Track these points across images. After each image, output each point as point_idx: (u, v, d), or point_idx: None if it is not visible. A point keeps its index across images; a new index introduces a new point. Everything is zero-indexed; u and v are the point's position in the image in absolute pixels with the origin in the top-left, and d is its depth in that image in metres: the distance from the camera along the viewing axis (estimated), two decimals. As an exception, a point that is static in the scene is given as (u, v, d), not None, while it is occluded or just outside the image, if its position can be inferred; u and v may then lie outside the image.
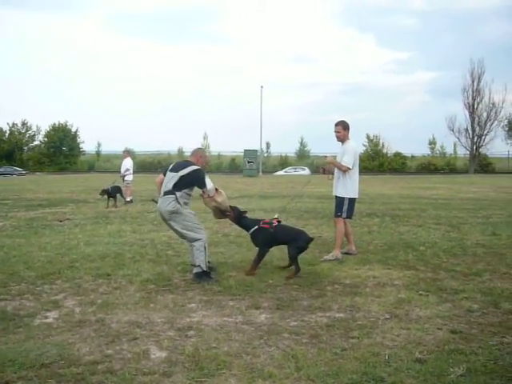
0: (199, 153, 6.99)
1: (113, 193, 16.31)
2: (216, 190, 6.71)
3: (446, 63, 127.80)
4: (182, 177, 6.44)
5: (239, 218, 6.99)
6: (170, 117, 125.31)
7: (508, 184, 30.71)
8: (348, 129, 7.90)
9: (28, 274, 6.66)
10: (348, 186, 7.79)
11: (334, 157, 8.11)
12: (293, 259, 6.71)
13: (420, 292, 5.74)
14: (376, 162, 63.20)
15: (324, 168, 8.41)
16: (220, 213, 6.94)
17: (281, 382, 3.56)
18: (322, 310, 5.15)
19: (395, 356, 3.95)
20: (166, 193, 6.45)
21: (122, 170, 18.28)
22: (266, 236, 6.76)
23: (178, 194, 6.40)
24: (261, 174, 49.08)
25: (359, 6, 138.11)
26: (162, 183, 6.66)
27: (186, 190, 6.47)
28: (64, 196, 21.07)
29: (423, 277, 6.47)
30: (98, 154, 76.35)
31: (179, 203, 6.39)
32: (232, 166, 64.78)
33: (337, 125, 7.87)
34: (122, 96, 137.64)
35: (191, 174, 6.49)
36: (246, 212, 7.12)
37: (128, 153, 18.97)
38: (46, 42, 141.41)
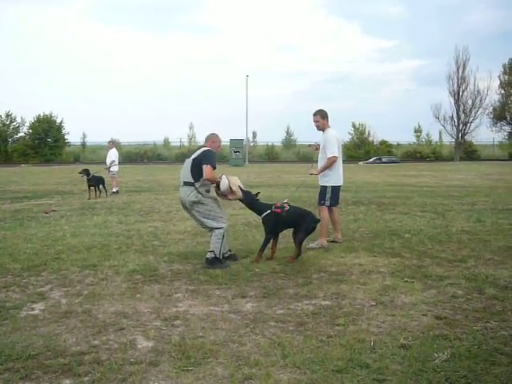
0: (211, 138, 7.03)
1: (95, 182, 16.18)
2: (231, 189, 6.75)
3: (432, 51, 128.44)
4: (194, 160, 6.55)
5: (253, 202, 7.09)
6: (156, 107, 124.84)
7: (493, 171, 31.00)
8: (327, 117, 7.91)
9: (14, 266, 6.62)
10: (330, 175, 7.81)
11: (318, 145, 8.10)
12: (301, 242, 6.85)
13: (405, 279, 5.78)
14: (362, 150, 63.51)
15: (317, 146, 8.27)
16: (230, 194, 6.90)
17: (267, 369, 3.57)
18: (307, 298, 5.17)
19: (380, 342, 3.99)
20: (186, 183, 6.56)
21: (108, 161, 18.17)
22: (277, 220, 6.86)
23: (197, 184, 6.51)
24: (247, 163, 49.02)
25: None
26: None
27: (203, 177, 6.51)
28: (49, 188, 20.92)
29: (408, 264, 6.52)
30: (83, 145, 75.73)
31: (200, 193, 6.51)
32: (219, 156, 64.66)
33: (315, 114, 7.89)
34: (108, 86, 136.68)
35: (201, 154, 6.59)
36: (258, 194, 7.24)
37: (113, 143, 18.86)
38: (29, 32, 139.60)
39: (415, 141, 72.39)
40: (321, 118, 7.90)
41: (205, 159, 6.53)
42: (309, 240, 7.75)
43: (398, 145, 69.93)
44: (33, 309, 5.01)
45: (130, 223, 10.34)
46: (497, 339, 4.01)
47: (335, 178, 7.85)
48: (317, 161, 8.14)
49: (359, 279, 5.83)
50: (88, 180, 16.06)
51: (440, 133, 67.39)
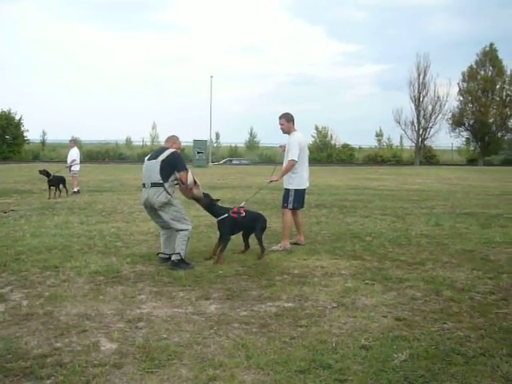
0: (172, 139, 7.12)
1: (56, 182, 15.94)
2: (195, 182, 6.84)
3: (394, 56, 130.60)
4: (162, 161, 6.52)
5: (211, 205, 7.23)
6: (118, 106, 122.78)
7: (451, 175, 31.78)
8: (292, 121, 8.00)
9: (-29, 268, 6.48)
10: (293, 178, 7.88)
11: (284, 146, 8.17)
12: (260, 240, 7.23)
13: (366, 281, 5.91)
14: (324, 153, 64.06)
15: (283, 147, 8.36)
16: (190, 196, 7.06)
17: (231, 370, 3.62)
18: (271, 300, 5.24)
19: (342, 343, 4.08)
20: (155, 184, 6.52)
21: (69, 160, 17.89)
22: (233, 224, 7.12)
23: (166, 184, 6.52)
24: (210, 164, 48.94)
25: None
26: None
27: (171, 179, 6.59)
28: (8, 186, 20.43)
29: (369, 266, 6.66)
30: (42, 142, 74.12)
31: (169, 194, 6.53)
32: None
33: (280, 117, 7.97)
34: (68, 84, 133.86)
35: (170, 156, 6.59)
36: (218, 200, 7.42)
37: (74, 142, 18.59)
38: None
39: (377, 144, 73.55)
40: (286, 122, 7.99)
41: (179, 165, 6.64)
42: (272, 242, 7.85)
43: (360, 148, 70.81)
44: (-8, 311, 4.93)
45: (92, 224, 10.22)
46: (453, 340, 4.15)
47: (298, 181, 7.94)
48: (282, 163, 8.22)
49: (321, 281, 5.93)
50: (49, 180, 15.79)
51: (401, 137, 68.68)
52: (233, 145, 72.22)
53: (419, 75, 62.47)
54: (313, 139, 66.47)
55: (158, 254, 6.95)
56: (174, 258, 6.58)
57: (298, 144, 7.87)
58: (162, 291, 5.55)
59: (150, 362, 3.77)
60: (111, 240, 8.45)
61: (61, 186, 16.32)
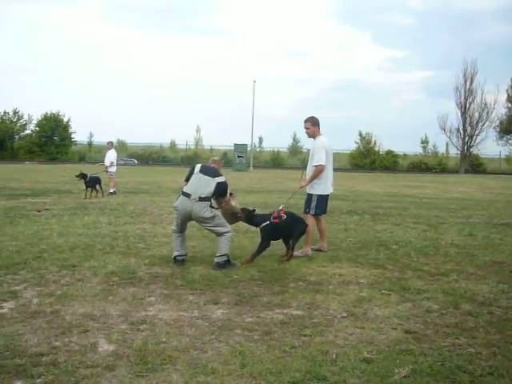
0: (219, 161, 7.52)
1: (91, 183, 16.23)
2: (231, 194, 7.09)
3: (441, 63, 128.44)
4: (218, 184, 6.72)
5: (250, 217, 7.32)
6: (164, 109, 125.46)
7: (496, 185, 30.85)
8: (318, 125, 7.85)
9: (-7, 264, 6.59)
10: (317, 183, 7.74)
11: (308, 152, 8.07)
12: (293, 246, 7.24)
13: (383, 291, 5.70)
14: (368, 159, 63.29)
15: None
16: (231, 217, 7.20)
17: (222, 378, 3.51)
18: (280, 307, 5.10)
19: (343, 355, 3.91)
20: (203, 199, 6.61)
21: (107, 161, 18.20)
22: (275, 229, 7.17)
23: (213, 200, 6.69)
24: (251, 168, 48.99)
25: (357, 3, 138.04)
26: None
27: (216, 196, 6.80)
28: (49, 186, 20.97)
29: (389, 276, 6.44)
30: (89, 144, 76.08)
31: (214, 208, 6.72)
32: (224, 160, 64.60)
33: (306, 121, 7.83)
34: (116, 87, 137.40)
35: (224, 184, 6.85)
36: (255, 210, 7.47)
37: (112, 144, 18.87)
38: (40, 30, 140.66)
39: (422, 152, 72.21)
40: (311, 125, 7.85)
41: (226, 193, 6.94)
42: (295, 248, 7.69)
43: (405, 155, 69.67)
44: (2, 307, 4.96)
45: (119, 224, 10.30)
46: (462, 356, 3.92)
47: (322, 187, 7.78)
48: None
49: (336, 289, 5.76)
50: (85, 182, 16.10)
51: (447, 144, 67.28)
52: (275, 149, 72.24)
53: (466, 81, 61.07)
54: (356, 145, 65.79)
55: (175, 257, 6.91)
56: (219, 260, 6.67)
57: (323, 148, 7.72)
58: (172, 294, 5.50)
59: (143, 365, 3.71)
60: (134, 241, 8.48)
61: (97, 187, 16.61)
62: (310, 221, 7.74)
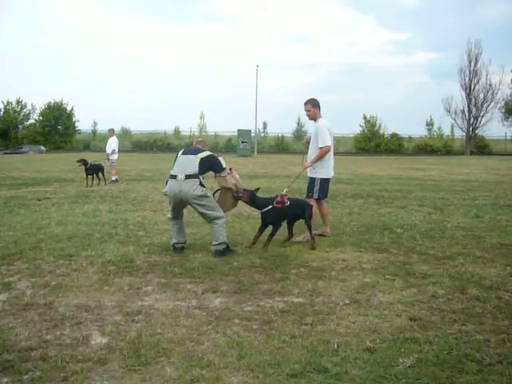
0: (204, 142, 7.24)
1: (93, 170, 16.09)
2: (230, 169, 6.88)
3: (445, 44, 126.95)
4: (202, 159, 6.55)
5: (253, 198, 7.10)
6: (167, 96, 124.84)
7: (501, 166, 30.49)
8: (318, 106, 7.63)
9: (-12, 255, 6.45)
10: (319, 167, 7.54)
11: (310, 137, 7.86)
12: (309, 228, 7.04)
13: (387, 276, 5.52)
14: (372, 142, 62.86)
15: (309, 138, 8.04)
16: (232, 198, 6.96)
17: (218, 371, 3.35)
18: (280, 295, 4.93)
19: (345, 344, 3.74)
20: (190, 176, 6.45)
21: (108, 149, 18.03)
22: (279, 214, 7.00)
23: (201, 177, 6.50)
24: (255, 154, 48.74)
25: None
26: None
27: (205, 174, 6.63)
28: (51, 175, 20.85)
29: (394, 260, 6.26)
30: (93, 133, 75.83)
31: (204, 186, 6.52)
32: (228, 146, 64.38)
33: (306, 103, 7.61)
34: (119, 75, 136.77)
35: (209, 157, 6.68)
36: (257, 190, 7.29)
37: (113, 132, 18.65)
38: (42, 19, 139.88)
39: (427, 134, 71.58)
40: (312, 107, 7.64)
41: (218, 166, 6.73)
42: (296, 233, 7.52)
43: (410, 138, 69.09)
44: (-6, 300, 4.83)
45: (120, 212, 10.15)
46: (469, 344, 3.74)
47: (325, 170, 7.59)
48: (307, 152, 7.88)
49: (339, 275, 5.58)
50: (86, 169, 15.96)
51: (452, 126, 66.65)
52: (280, 134, 71.86)
53: (470, 62, 60.30)
54: (361, 129, 65.32)
55: (173, 244, 6.75)
56: (219, 247, 6.52)
57: (326, 129, 7.52)
58: (169, 283, 5.34)
59: (136, 358, 3.55)
60: (134, 229, 8.32)
61: (99, 175, 16.47)
62: (313, 205, 7.55)
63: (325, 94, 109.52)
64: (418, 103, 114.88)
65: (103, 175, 16.67)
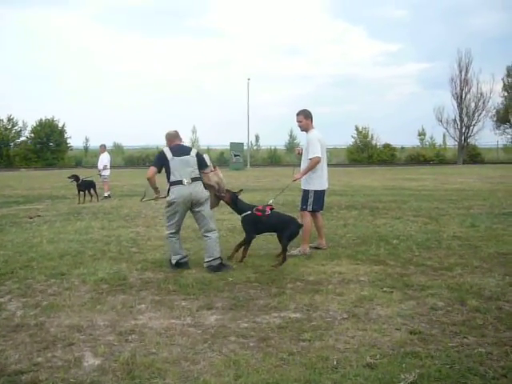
0: (176, 134, 6.92)
1: (84, 187, 15.98)
2: (214, 167, 6.88)
3: (436, 54, 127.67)
4: (197, 155, 6.59)
5: (234, 199, 7.03)
6: (158, 111, 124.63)
7: (495, 174, 30.50)
8: (310, 118, 7.58)
9: (-22, 275, 6.31)
10: (313, 178, 7.47)
11: (301, 149, 7.79)
12: (284, 248, 6.78)
13: (384, 289, 5.43)
14: (365, 153, 62.85)
15: (300, 150, 7.97)
16: (215, 197, 6.86)
17: (215, 392, 3.25)
18: (277, 310, 4.84)
19: (345, 360, 3.65)
20: (196, 179, 6.45)
21: (100, 165, 17.92)
22: (256, 222, 6.86)
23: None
24: (249, 167, 48.68)
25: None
26: (154, 176, 6.61)
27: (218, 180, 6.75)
28: (43, 192, 20.66)
29: (391, 272, 6.17)
30: (85, 149, 75.50)
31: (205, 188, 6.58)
32: (221, 160, 64.06)
33: (298, 114, 7.55)
34: (110, 90, 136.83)
35: (198, 154, 6.69)
36: (240, 192, 7.25)
37: (105, 147, 18.51)
38: (33, 36, 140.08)
39: (419, 144, 71.70)
40: (304, 118, 7.58)
41: (206, 163, 6.71)
42: (290, 247, 7.43)
43: (402, 148, 69.19)
44: (-17, 321, 4.70)
45: (112, 229, 10.02)
46: (472, 357, 3.66)
47: (318, 182, 7.52)
48: (299, 165, 7.81)
49: (336, 289, 5.49)
50: (78, 185, 15.85)
51: (444, 136, 66.76)
52: (272, 147, 71.83)
53: (461, 72, 60.37)
54: (353, 140, 65.38)
55: (178, 261, 6.58)
56: (213, 263, 6.43)
57: (318, 141, 7.45)
58: (163, 300, 5.23)
59: (129, 380, 3.45)
60: (127, 245, 8.21)
61: (91, 191, 16.34)
62: (308, 218, 7.48)
63: (318, 105, 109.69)
64: (409, 114, 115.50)
65: (95, 191, 16.54)
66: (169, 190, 6.51)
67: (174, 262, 6.58)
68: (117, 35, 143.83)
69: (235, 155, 46.12)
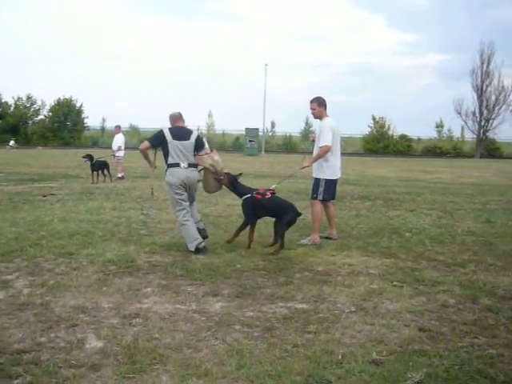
0: (180, 116, 6.97)
1: (98, 167, 15.99)
2: (211, 150, 6.88)
3: (456, 45, 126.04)
4: (196, 141, 6.68)
5: (233, 182, 7.02)
6: (176, 94, 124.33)
7: (512, 169, 30.12)
8: (324, 105, 7.42)
9: (-12, 251, 6.31)
10: (324, 167, 7.34)
11: (315, 136, 7.65)
12: (281, 234, 6.68)
13: (394, 283, 5.33)
14: (381, 143, 62.34)
15: (313, 137, 7.85)
16: (214, 180, 6.89)
17: (216, 381, 3.19)
18: (284, 300, 4.76)
19: (350, 356, 3.57)
20: (192, 165, 6.64)
21: (114, 146, 17.91)
22: (256, 206, 6.82)
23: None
24: (263, 153, 48.46)
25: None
26: (147, 150, 6.80)
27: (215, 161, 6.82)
28: (58, 171, 20.75)
29: (402, 266, 6.07)
30: (102, 129, 75.72)
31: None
32: (236, 145, 64.04)
33: (312, 101, 7.41)
34: (128, 72, 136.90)
35: (198, 138, 6.79)
36: (240, 175, 7.20)
37: (119, 128, 18.50)
38: (52, 17, 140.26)
39: (437, 136, 70.93)
40: (317, 106, 7.43)
41: (203, 145, 6.80)
42: (301, 236, 7.35)
43: (419, 139, 68.48)
44: (-11, 298, 4.69)
45: (124, 210, 10.01)
46: (482, 359, 3.55)
47: (330, 170, 7.38)
48: (311, 152, 7.69)
49: (345, 281, 5.40)
50: (91, 165, 15.87)
51: (462, 128, 65.96)
52: (288, 134, 71.51)
53: (482, 64, 59.53)
54: (369, 129, 64.85)
55: (197, 246, 6.49)
56: (199, 226, 6.88)
57: (330, 129, 7.30)
58: (170, 284, 5.18)
59: (131, 365, 3.40)
60: (136, 227, 8.18)
61: (105, 172, 16.35)
62: (318, 207, 7.37)
63: (334, 94, 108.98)
64: (427, 105, 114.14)
65: (109, 172, 16.55)
66: (166, 170, 6.69)
67: (192, 248, 6.49)
68: (136, 17, 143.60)
69: (250, 141, 45.88)
